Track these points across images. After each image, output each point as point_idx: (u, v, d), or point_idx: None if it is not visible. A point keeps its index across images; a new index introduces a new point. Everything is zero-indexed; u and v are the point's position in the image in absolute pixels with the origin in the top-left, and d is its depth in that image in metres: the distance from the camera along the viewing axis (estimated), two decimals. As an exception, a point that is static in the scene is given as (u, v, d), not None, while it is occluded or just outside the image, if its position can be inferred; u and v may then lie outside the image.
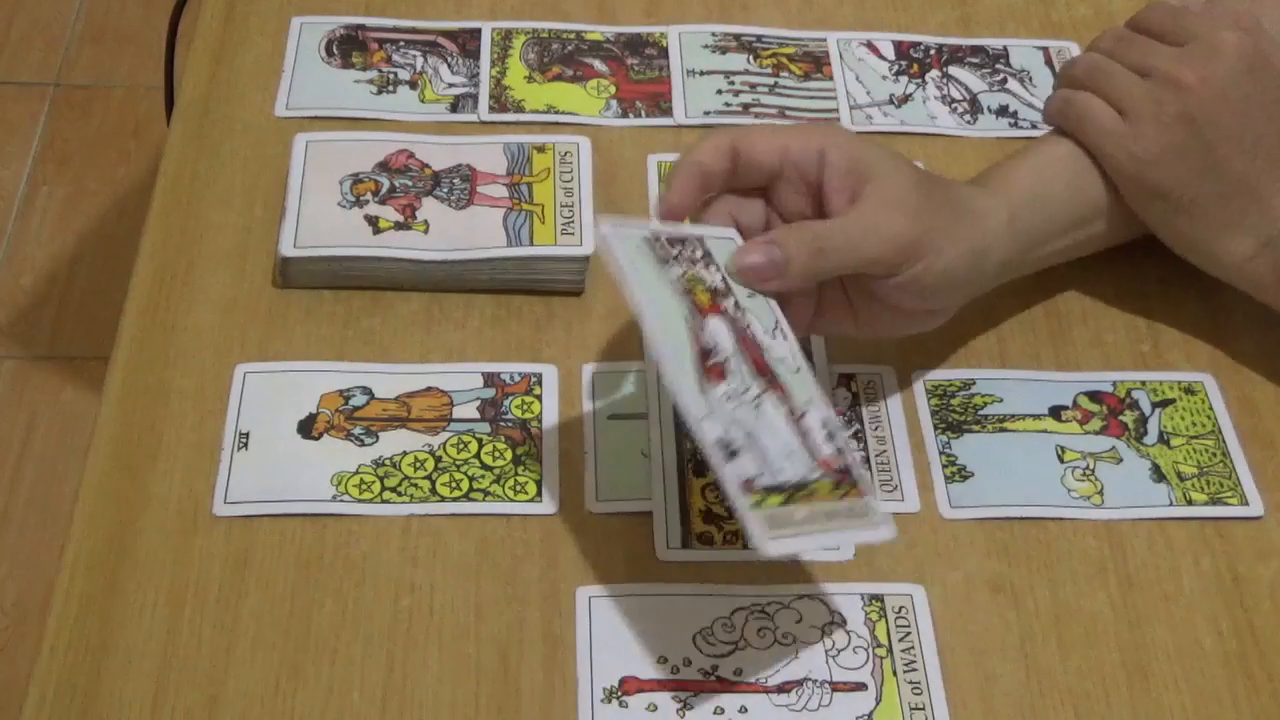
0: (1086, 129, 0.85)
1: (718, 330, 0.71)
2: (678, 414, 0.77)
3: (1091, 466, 0.81)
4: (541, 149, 0.92)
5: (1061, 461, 0.81)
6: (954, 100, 1.00)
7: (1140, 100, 0.83)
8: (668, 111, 0.98)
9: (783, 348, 0.73)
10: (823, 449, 0.70)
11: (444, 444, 0.79)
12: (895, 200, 0.76)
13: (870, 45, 1.03)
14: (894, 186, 0.76)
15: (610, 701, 0.70)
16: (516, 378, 0.83)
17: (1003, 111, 0.99)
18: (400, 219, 0.87)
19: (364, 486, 0.78)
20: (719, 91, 0.99)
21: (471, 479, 0.78)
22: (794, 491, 0.68)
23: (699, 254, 0.73)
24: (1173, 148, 0.82)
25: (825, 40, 1.03)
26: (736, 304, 0.73)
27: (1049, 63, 1.03)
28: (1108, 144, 0.84)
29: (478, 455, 0.79)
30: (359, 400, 0.81)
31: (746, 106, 0.98)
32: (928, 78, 1.01)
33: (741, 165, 0.76)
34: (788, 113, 0.98)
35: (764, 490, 0.67)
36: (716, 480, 0.68)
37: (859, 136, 0.78)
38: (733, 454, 0.68)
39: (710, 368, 0.70)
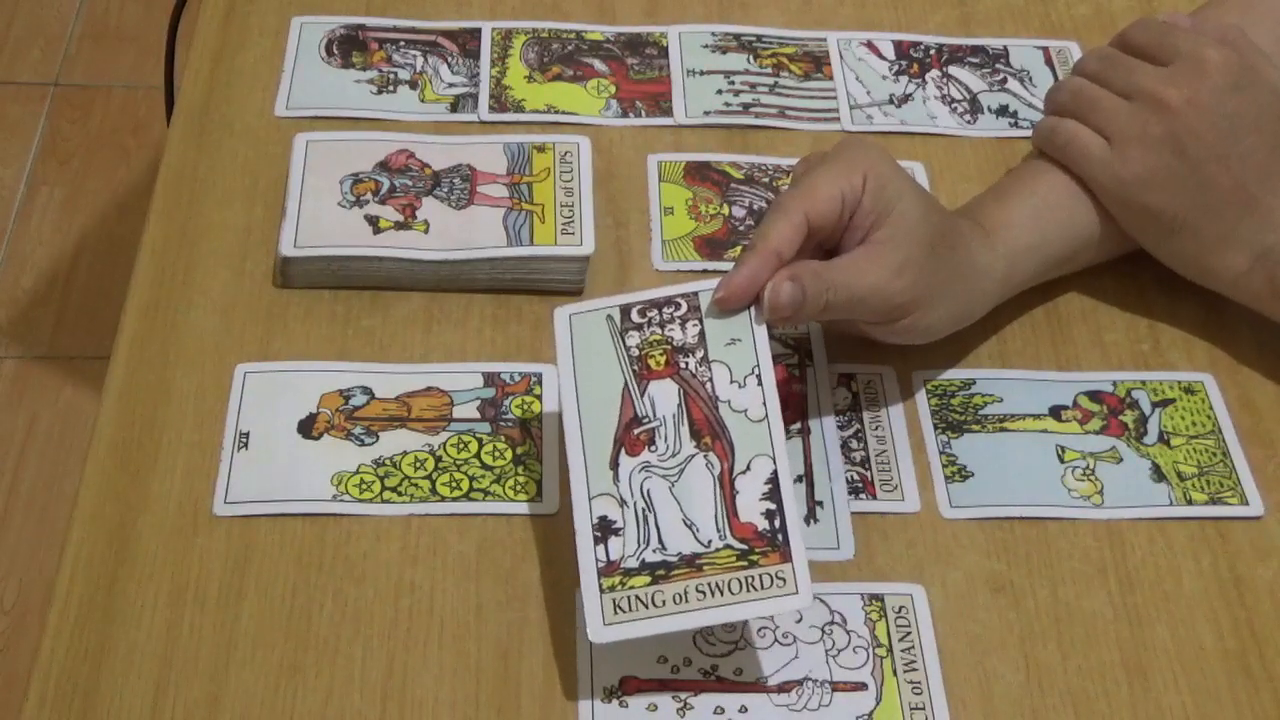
0: (1074, 158, 0.85)
1: (659, 395, 0.73)
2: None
3: (1091, 466, 0.81)
4: (541, 149, 0.92)
5: (1061, 461, 0.81)
6: (954, 100, 1.00)
7: (1125, 124, 0.83)
8: (668, 111, 0.98)
9: (750, 397, 0.73)
10: (748, 511, 0.71)
11: (444, 444, 0.79)
12: (900, 261, 0.77)
13: (870, 45, 1.03)
14: (904, 243, 0.77)
15: (610, 701, 0.70)
16: (516, 378, 0.83)
17: (1003, 111, 0.99)
18: (400, 219, 0.87)
19: (364, 486, 0.78)
20: (719, 91, 0.99)
21: (471, 479, 0.78)
22: (673, 569, 0.69)
23: (682, 310, 0.75)
24: (1160, 169, 0.82)
25: (825, 40, 1.03)
26: (704, 358, 0.74)
27: (1049, 62, 1.03)
28: (1096, 172, 0.84)
29: (478, 455, 0.79)
30: (359, 400, 0.81)
31: (746, 106, 0.98)
32: (928, 77, 1.01)
33: (812, 230, 0.76)
34: (788, 113, 0.98)
35: (626, 571, 0.69)
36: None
37: (892, 166, 0.78)
38: (613, 532, 0.70)
39: (635, 437, 0.72)
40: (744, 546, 0.70)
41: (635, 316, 0.75)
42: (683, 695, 0.71)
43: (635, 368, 0.74)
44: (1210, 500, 0.80)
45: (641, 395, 0.73)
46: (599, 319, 0.75)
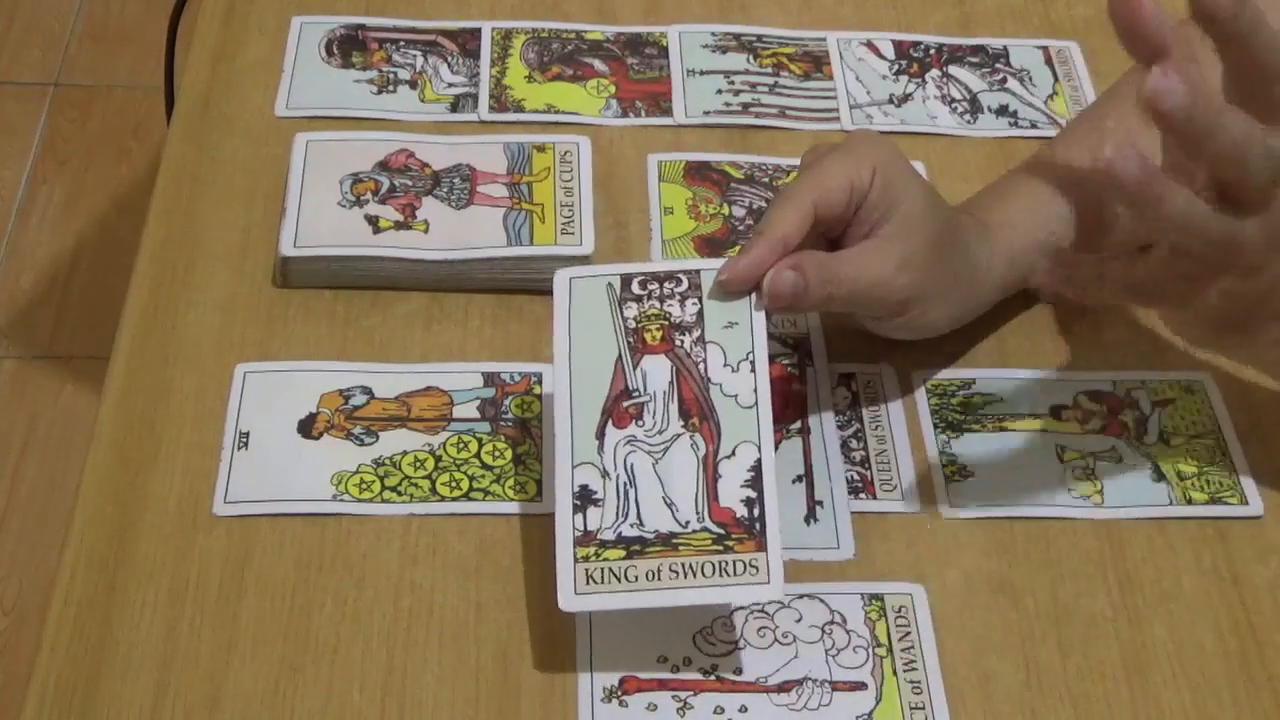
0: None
1: (652, 369, 0.73)
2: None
3: (1091, 466, 0.81)
4: (541, 148, 0.92)
5: (1061, 461, 0.81)
6: (954, 100, 1.00)
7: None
8: (668, 111, 0.98)
9: (742, 382, 0.73)
10: (729, 497, 0.71)
11: (444, 443, 0.79)
12: (905, 257, 0.76)
13: (870, 45, 1.03)
14: (909, 239, 0.76)
15: (610, 701, 0.70)
16: (516, 377, 0.83)
17: (1003, 111, 0.99)
18: (400, 218, 0.87)
19: (364, 486, 0.78)
20: (719, 91, 0.99)
21: (471, 479, 0.78)
22: (648, 546, 0.70)
23: (683, 286, 0.75)
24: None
25: (825, 40, 1.03)
26: (700, 338, 0.74)
27: (1049, 62, 1.03)
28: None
29: (478, 455, 0.79)
30: (359, 400, 0.81)
31: (746, 106, 0.98)
32: (928, 77, 1.01)
33: (819, 220, 0.76)
34: (788, 112, 0.98)
35: (602, 543, 0.70)
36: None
37: (901, 161, 0.78)
38: (593, 503, 0.71)
39: (624, 410, 0.72)
40: (721, 531, 0.70)
41: (635, 288, 0.75)
42: (682, 695, 0.71)
43: (631, 339, 0.74)
44: (1210, 500, 0.80)
45: (634, 368, 0.73)
46: (599, 285, 0.75)
